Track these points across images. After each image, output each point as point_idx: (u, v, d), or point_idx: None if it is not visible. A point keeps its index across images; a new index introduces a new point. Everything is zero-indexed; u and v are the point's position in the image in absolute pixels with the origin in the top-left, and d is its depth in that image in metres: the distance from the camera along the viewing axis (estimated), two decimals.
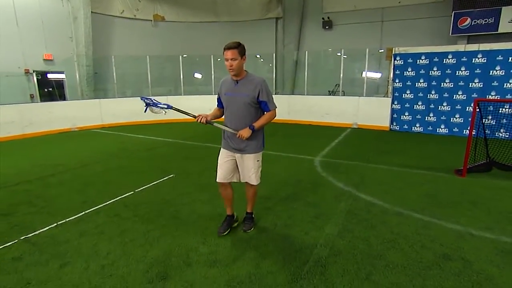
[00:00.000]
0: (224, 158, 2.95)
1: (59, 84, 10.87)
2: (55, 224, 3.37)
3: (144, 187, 4.45)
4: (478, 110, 5.04)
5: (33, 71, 10.02)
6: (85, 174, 5.21)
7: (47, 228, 3.28)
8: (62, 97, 10.81)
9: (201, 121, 2.76)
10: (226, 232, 3.07)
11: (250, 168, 2.90)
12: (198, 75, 13.78)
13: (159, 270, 2.52)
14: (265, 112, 2.84)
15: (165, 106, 2.91)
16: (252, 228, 3.16)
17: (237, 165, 2.96)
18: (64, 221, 3.44)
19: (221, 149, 3.00)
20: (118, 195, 4.15)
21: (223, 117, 2.97)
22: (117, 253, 2.78)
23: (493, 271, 2.42)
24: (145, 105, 2.93)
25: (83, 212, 3.66)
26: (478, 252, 2.69)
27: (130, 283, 2.37)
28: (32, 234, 3.15)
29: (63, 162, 5.99)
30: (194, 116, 2.78)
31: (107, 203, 3.92)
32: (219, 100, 2.95)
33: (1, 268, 2.57)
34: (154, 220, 3.43)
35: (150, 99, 2.95)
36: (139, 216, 3.52)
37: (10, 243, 2.98)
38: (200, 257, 2.68)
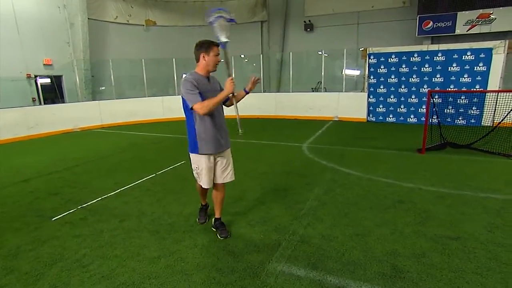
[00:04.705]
0: (211, 162, 2.88)
1: (53, 87, 11.41)
2: (100, 198, 4.21)
3: (163, 171, 5.33)
4: (432, 99, 6.20)
5: (35, 76, 10.54)
6: (106, 164, 6.01)
7: (95, 200, 4.12)
8: (56, 100, 11.37)
9: (232, 84, 2.60)
10: (207, 221, 3.34)
11: (230, 163, 2.99)
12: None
13: (196, 219, 3.43)
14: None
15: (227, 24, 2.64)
16: (230, 233, 3.05)
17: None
18: (106, 196, 4.28)
19: (202, 156, 2.81)
20: (143, 177, 5.00)
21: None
22: (159, 212, 3.67)
23: (429, 207, 3.50)
24: (218, 15, 2.61)
25: (119, 189, 4.50)
26: (422, 198, 3.77)
27: (177, 227, 3.28)
28: (85, 204, 3.99)
29: (81, 156, 6.73)
30: (229, 75, 2.65)
31: (136, 182, 4.78)
32: (201, 95, 2.64)
33: (75, 224, 3.42)
34: (180, 191, 4.33)
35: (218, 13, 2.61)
36: (167, 189, 4.41)
37: (72, 210, 3.81)
38: (225, 212, 3.60)
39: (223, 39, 2.65)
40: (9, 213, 3.81)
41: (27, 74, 10.32)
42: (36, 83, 10.71)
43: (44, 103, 10.81)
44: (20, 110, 9.32)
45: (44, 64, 10.80)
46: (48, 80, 11.22)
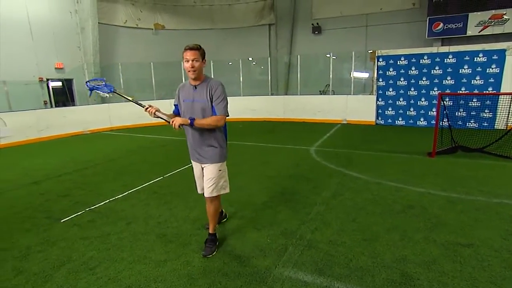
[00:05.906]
0: (197, 169, 2.94)
1: (64, 90, 11.63)
2: (108, 200, 4.24)
3: (170, 173, 5.35)
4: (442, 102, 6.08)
5: (47, 79, 10.78)
6: (115, 166, 6.07)
7: (103, 203, 4.15)
8: (67, 103, 11.61)
9: (150, 112, 2.64)
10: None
11: (209, 179, 2.77)
12: None
13: (202, 223, 3.43)
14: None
15: (107, 91, 3.02)
16: (214, 252, 2.81)
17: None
18: (113, 198, 4.31)
19: (192, 161, 2.95)
20: (151, 180, 5.03)
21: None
22: (166, 215, 3.68)
23: (440, 213, 3.42)
24: (89, 89, 3.05)
25: (127, 192, 4.53)
26: (433, 203, 3.69)
27: (184, 231, 3.28)
28: (94, 207, 4.02)
29: (91, 158, 6.82)
30: (143, 106, 2.73)
31: (144, 185, 4.80)
32: (176, 106, 2.85)
33: (83, 227, 3.45)
34: (187, 194, 4.33)
35: (93, 85, 3.02)
36: (174, 193, 4.42)
37: (80, 212, 3.85)
38: (232, 215, 3.60)
39: (106, 90, 3.04)
40: (20, 214, 3.87)
41: (39, 78, 10.56)
42: (48, 87, 10.95)
43: (55, 106, 11.03)
44: (32, 113, 9.50)
45: (55, 68, 11.05)
46: (59, 84, 11.46)
